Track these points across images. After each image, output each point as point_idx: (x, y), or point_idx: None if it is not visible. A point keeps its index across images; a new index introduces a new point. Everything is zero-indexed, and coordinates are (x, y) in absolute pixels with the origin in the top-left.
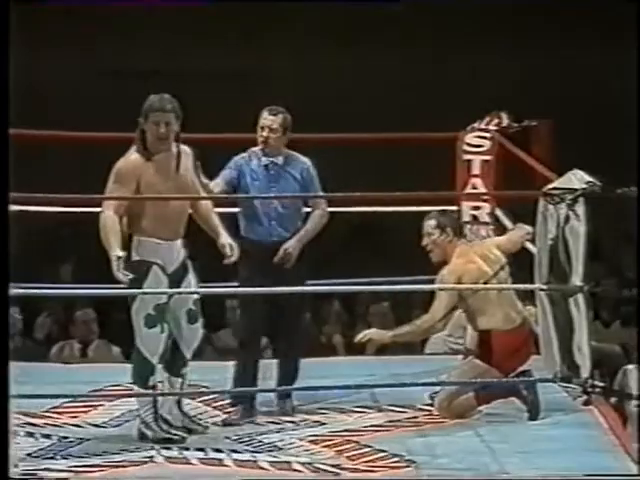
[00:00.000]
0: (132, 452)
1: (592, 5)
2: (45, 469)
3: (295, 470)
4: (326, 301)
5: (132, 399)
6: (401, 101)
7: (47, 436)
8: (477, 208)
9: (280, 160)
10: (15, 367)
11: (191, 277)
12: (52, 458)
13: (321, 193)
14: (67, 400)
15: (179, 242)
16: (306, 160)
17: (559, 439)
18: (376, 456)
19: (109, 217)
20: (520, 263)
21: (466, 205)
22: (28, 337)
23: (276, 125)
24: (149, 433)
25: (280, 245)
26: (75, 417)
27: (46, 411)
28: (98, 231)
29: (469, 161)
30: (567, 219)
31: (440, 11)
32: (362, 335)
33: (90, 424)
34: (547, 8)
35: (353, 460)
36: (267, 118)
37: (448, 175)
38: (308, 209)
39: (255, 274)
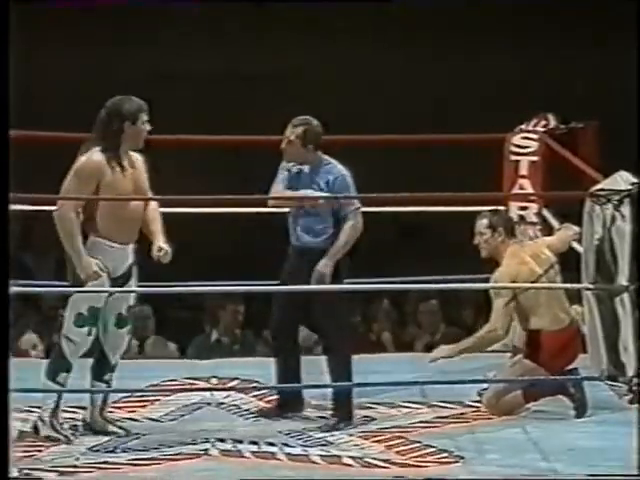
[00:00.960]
0: (188, 445)
1: (592, 5)
2: (104, 462)
3: (346, 464)
4: (376, 300)
5: (189, 394)
6: (450, 101)
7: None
8: (524, 208)
9: (307, 168)
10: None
11: (133, 283)
12: (112, 452)
13: (356, 203)
14: (125, 395)
15: (131, 247)
16: (340, 169)
17: (605, 437)
18: (425, 451)
19: (71, 220)
20: (567, 263)
21: (514, 205)
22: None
23: (293, 137)
24: (41, 428)
25: (308, 249)
26: (133, 411)
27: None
28: None
29: (517, 162)
30: (613, 219)
31: (454, 10)
32: (434, 355)
33: (147, 418)
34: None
35: (403, 455)
36: (288, 130)
37: (494, 176)
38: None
39: (287, 274)
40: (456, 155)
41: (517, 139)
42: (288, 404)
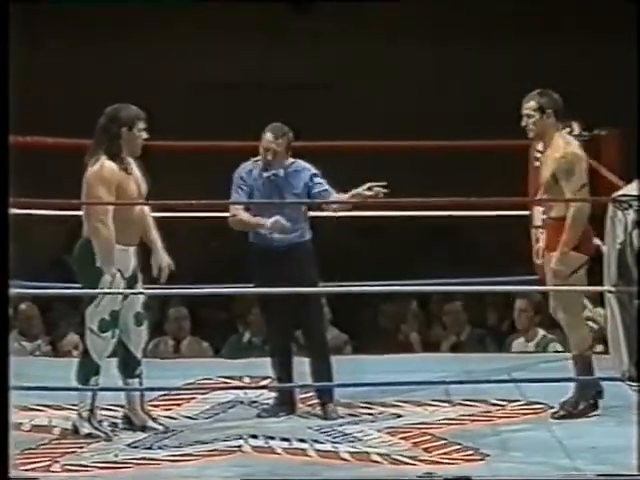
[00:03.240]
0: (222, 442)
1: (592, 5)
2: (142, 458)
3: (373, 461)
4: (404, 301)
5: (222, 392)
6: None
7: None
8: None
9: (281, 172)
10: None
11: (140, 283)
12: (149, 448)
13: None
14: (162, 393)
15: (134, 248)
16: (304, 165)
17: (627, 436)
18: (451, 448)
19: (112, 232)
20: (590, 267)
21: (537, 210)
22: None
23: (280, 149)
24: (81, 427)
25: (294, 246)
26: (169, 409)
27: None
28: None
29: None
30: (634, 224)
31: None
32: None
33: (183, 416)
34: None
35: (429, 452)
36: (270, 141)
37: (515, 181)
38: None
39: (265, 275)
40: (482, 160)
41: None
42: (283, 404)
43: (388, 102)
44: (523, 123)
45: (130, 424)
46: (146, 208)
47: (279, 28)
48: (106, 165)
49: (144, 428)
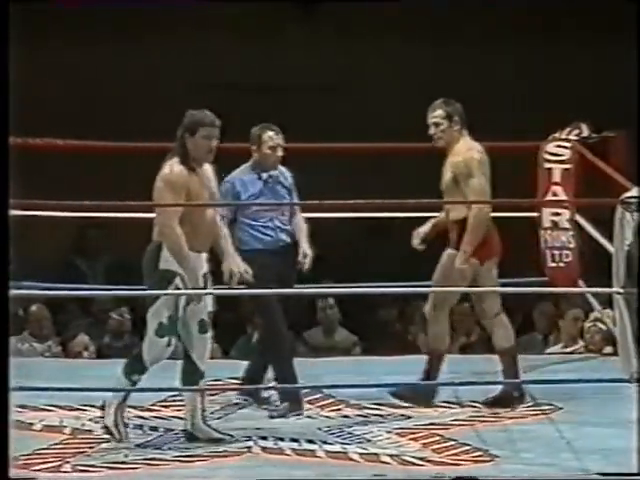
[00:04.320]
0: (231, 443)
1: (592, 5)
2: (152, 458)
3: (383, 462)
4: (413, 302)
5: (231, 393)
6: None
7: (154, 428)
8: (557, 214)
9: (275, 173)
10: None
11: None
12: (159, 449)
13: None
14: (172, 394)
15: (204, 255)
16: (286, 169)
17: (635, 438)
18: (460, 449)
19: (176, 230)
20: (599, 268)
21: (547, 212)
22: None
23: (283, 143)
24: (107, 418)
25: (289, 247)
26: (179, 410)
27: (153, 404)
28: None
29: (550, 169)
30: None
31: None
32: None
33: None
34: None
35: (439, 453)
36: (278, 138)
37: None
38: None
39: (279, 274)
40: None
41: (551, 147)
42: (292, 404)
43: (390, 104)
44: (431, 131)
45: (193, 438)
46: (216, 215)
47: (282, 29)
48: (175, 169)
49: (210, 441)
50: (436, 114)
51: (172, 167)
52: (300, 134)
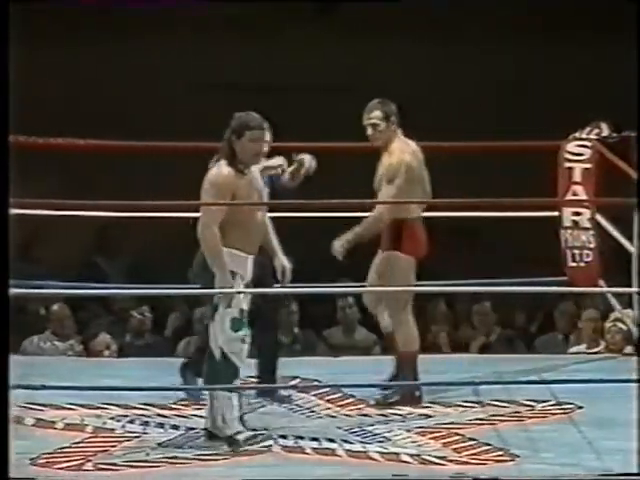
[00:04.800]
0: (257, 442)
1: (592, 5)
2: (173, 457)
3: (403, 462)
4: (433, 301)
5: (252, 392)
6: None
7: (175, 427)
8: (578, 214)
9: (257, 171)
10: (147, 362)
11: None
12: (180, 447)
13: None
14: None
15: (253, 258)
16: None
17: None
18: (481, 449)
19: (215, 234)
20: (619, 267)
21: (567, 211)
22: (159, 334)
23: (268, 138)
24: (222, 428)
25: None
26: (200, 409)
27: (174, 403)
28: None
29: (570, 169)
30: None
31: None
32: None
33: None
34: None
35: (459, 452)
36: (265, 135)
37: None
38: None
39: (262, 274)
40: (511, 161)
41: (571, 146)
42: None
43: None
44: (369, 132)
45: (213, 438)
46: (266, 217)
47: (292, 28)
48: (222, 171)
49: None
50: (373, 115)
51: (220, 169)
52: (312, 134)
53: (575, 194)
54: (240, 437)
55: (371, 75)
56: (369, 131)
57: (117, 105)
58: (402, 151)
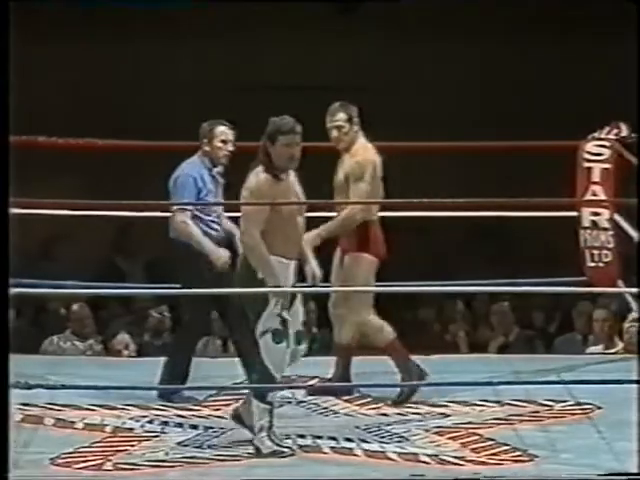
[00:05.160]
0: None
1: (592, 5)
2: (192, 457)
3: (421, 462)
4: (451, 301)
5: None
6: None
7: (194, 426)
8: (597, 214)
9: (222, 169)
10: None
11: (298, 303)
12: (199, 447)
13: None
14: (211, 393)
15: (295, 263)
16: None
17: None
18: (499, 449)
19: (259, 240)
20: (639, 268)
21: (586, 211)
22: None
23: (233, 138)
24: (263, 447)
25: (224, 246)
26: (218, 409)
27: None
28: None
29: (589, 169)
30: None
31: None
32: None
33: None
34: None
35: (477, 453)
36: (229, 132)
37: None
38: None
39: (207, 275)
40: (530, 162)
41: (590, 147)
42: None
43: (423, 104)
44: (334, 134)
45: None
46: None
47: (319, 29)
48: (259, 178)
49: (274, 453)
50: (338, 117)
51: (257, 177)
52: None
53: (594, 194)
54: (265, 450)
55: (390, 75)
56: (334, 133)
57: (125, 105)
58: (366, 150)
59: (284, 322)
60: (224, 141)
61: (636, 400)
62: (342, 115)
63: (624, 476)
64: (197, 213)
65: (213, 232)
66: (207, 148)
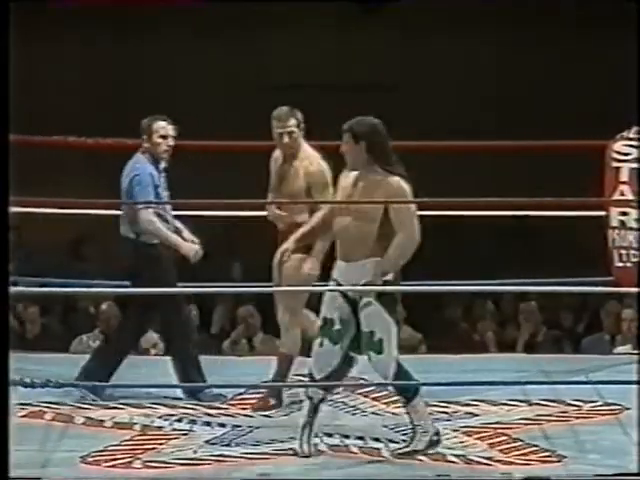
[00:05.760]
0: (298, 440)
1: (592, 5)
2: (220, 455)
3: (449, 461)
4: (480, 301)
5: (298, 390)
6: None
7: (222, 425)
8: (625, 214)
9: (164, 165)
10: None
11: (366, 303)
12: (227, 445)
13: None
14: (239, 391)
15: (355, 265)
16: None
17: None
18: (528, 450)
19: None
20: None
21: (614, 211)
22: (205, 332)
23: (174, 133)
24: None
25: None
26: (245, 408)
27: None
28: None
29: (618, 168)
30: None
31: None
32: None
33: (259, 414)
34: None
35: (505, 453)
36: (169, 128)
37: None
38: None
39: (170, 274)
40: (558, 161)
41: (618, 146)
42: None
43: (452, 102)
44: (286, 140)
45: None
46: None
47: (346, 28)
48: (323, 165)
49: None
50: (291, 123)
51: (320, 162)
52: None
53: (622, 194)
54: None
55: (415, 74)
56: (285, 139)
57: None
58: (317, 157)
59: (342, 321)
60: (163, 136)
61: None
62: (294, 121)
63: (624, 476)
64: (158, 211)
65: (170, 229)
66: (147, 144)
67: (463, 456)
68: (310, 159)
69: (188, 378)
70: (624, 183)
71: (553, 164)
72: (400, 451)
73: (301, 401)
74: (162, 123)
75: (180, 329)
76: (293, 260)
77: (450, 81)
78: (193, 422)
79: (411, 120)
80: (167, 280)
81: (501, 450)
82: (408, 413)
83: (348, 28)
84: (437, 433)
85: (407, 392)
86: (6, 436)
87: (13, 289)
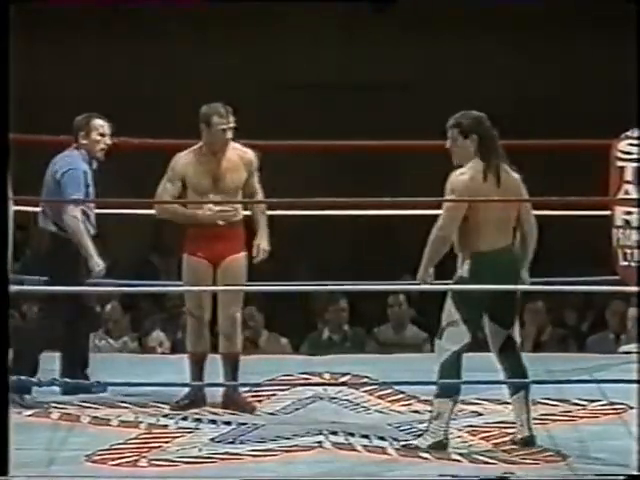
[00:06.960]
0: (302, 437)
1: (592, 5)
2: (225, 452)
3: (453, 460)
4: None
5: (303, 388)
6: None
7: (227, 423)
8: (629, 213)
9: (96, 164)
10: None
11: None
12: (232, 443)
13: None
14: (244, 389)
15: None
16: None
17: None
18: (532, 449)
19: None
20: None
21: (619, 210)
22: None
23: (110, 132)
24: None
25: None
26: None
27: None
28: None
29: (622, 167)
30: None
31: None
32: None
33: (264, 412)
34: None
35: (509, 453)
36: (106, 126)
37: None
38: None
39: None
40: (561, 160)
41: (623, 145)
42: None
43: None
44: (229, 136)
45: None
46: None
47: (357, 27)
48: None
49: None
50: (232, 120)
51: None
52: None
53: (627, 193)
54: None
55: (426, 74)
56: (228, 135)
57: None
58: (240, 146)
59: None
60: (102, 134)
61: None
62: (232, 117)
63: (624, 476)
64: (84, 208)
65: (92, 229)
66: (84, 141)
67: (467, 454)
68: (238, 148)
69: (71, 375)
70: (628, 182)
71: (556, 163)
72: (404, 444)
73: (304, 399)
74: (100, 121)
75: (79, 327)
76: (242, 259)
77: (464, 80)
78: (198, 420)
79: (428, 119)
80: (76, 278)
81: (505, 449)
82: (432, 406)
83: (362, 26)
84: (447, 438)
85: (446, 388)
86: (6, 436)
87: (14, 288)
